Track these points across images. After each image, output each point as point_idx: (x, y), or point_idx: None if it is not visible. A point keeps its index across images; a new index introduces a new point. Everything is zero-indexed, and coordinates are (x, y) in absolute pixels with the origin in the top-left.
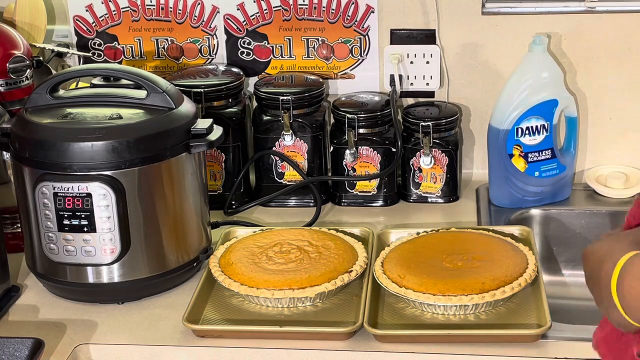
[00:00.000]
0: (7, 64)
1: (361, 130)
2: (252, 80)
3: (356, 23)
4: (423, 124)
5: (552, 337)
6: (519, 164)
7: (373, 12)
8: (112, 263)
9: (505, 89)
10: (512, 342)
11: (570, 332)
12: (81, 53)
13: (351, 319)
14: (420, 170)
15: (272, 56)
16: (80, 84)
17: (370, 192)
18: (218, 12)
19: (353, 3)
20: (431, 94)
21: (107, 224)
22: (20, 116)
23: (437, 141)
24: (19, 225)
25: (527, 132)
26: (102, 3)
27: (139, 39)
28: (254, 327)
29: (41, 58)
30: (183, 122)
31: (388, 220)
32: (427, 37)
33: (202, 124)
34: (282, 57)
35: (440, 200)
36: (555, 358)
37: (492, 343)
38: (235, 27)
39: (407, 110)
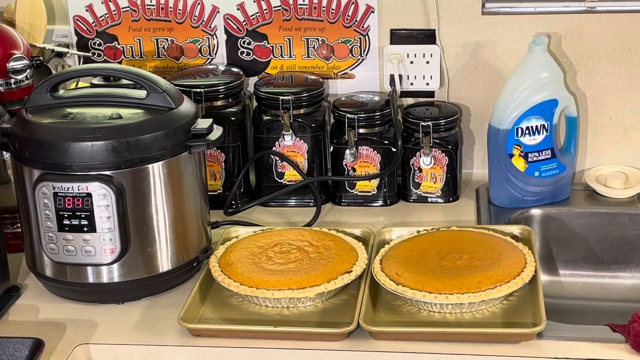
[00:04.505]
0: (7, 64)
1: (361, 130)
2: (252, 80)
3: (356, 23)
4: (423, 124)
5: (551, 336)
6: (519, 164)
7: (373, 12)
8: (112, 263)
9: (505, 89)
10: (506, 340)
11: (568, 331)
12: (81, 53)
13: (349, 320)
14: (420, 170)
15: (272, 56)
16: (80, 84)
17: (370, 192)
18: (218, 12)
19: (353, 3)
20: (431, 94)
21: (107, 224)
22: (20, 116)
23: (437, 141)
24: (19, 225)
25: (527, 132)
26: (102, 3)
27: (139, 39)
28: (247, 327)
29: (41, 58)
30: (183, 122)
31: (388, 220)
32: (427, 37)
33: (202, 124)
34: (282, 57)
35: (440, 200)
36: (554, 358)
37: (487, 341)
38: (235, 27)
39: (407, 110)
